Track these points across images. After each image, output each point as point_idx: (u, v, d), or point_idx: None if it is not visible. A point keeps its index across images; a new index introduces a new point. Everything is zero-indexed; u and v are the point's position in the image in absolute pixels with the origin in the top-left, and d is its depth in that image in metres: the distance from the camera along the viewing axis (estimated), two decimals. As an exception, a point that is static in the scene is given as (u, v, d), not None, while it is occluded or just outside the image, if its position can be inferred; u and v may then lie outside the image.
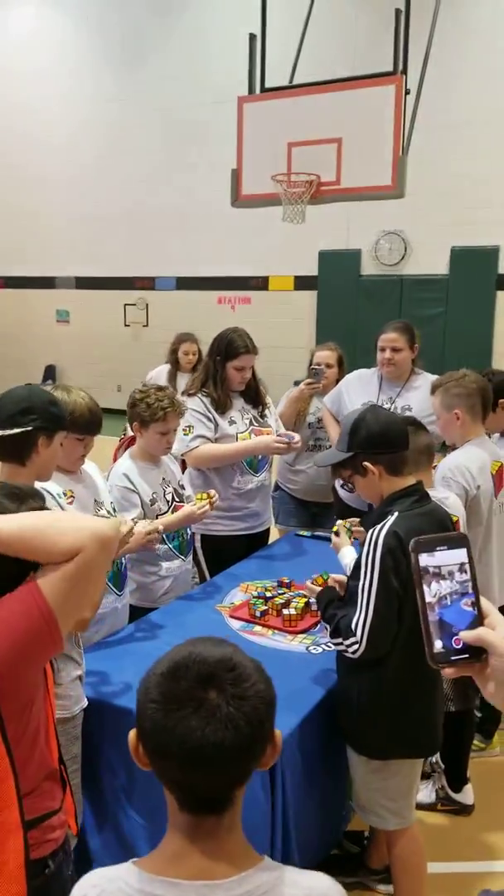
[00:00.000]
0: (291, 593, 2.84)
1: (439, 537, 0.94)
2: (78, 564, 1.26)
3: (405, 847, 2.24)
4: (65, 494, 2.30)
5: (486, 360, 8.80)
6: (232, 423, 3.36)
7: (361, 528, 2.49)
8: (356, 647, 2.02)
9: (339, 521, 2.61)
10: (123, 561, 2.64)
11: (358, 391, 3.75)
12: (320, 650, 2.49)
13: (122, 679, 2.26)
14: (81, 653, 2.11)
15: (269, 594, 2.82)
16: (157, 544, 2.68)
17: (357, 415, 2.16)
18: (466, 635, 0.89)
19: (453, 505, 2.57)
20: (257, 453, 3.38)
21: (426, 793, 2.92)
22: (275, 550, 3.54)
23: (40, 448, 1.95)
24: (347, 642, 2.04)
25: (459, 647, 0.90)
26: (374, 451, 2.10)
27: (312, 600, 2.56)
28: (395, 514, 2.05)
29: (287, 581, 2.96)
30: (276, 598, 2.76)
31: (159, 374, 5.95)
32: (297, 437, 3.39)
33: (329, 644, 2.26)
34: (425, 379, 3.55)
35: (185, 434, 3.28)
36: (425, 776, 2.95)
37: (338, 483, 3.58)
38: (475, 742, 3.10)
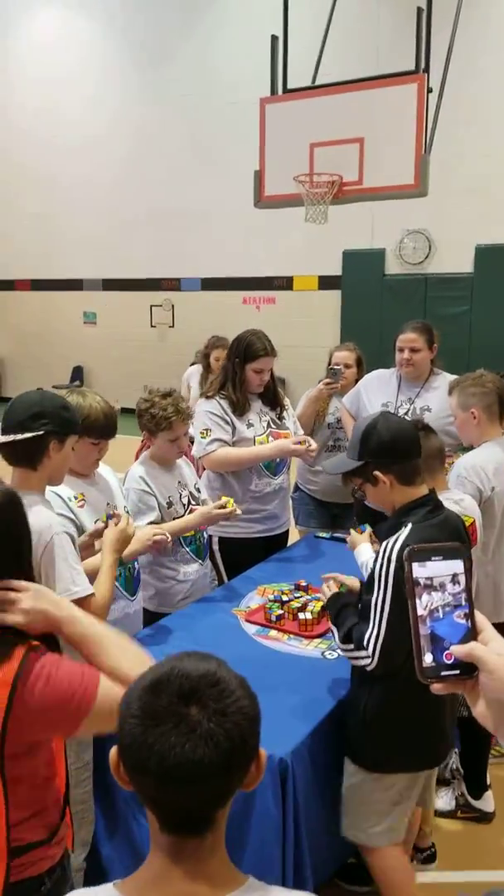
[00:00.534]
0: (308, 597, 2.82)
1: (433, 547, 0.91)
2: None
3: (395, 863, 2.14)
4: (76, 498, 2.32)
5: (512, 358, 8.69)
6: (250, 425, 3.34)
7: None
8: (368, 661, 1.97)
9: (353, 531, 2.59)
10: (136, 565, 2.64)
11: (377, 391, 3.72)
12: (336, 655, 2.46)
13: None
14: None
15: (285, 598, 2.80)
16: (169, 545, 2.65)
17: (369, 422, 2.10)
18: (458, 650, 0.86)
19: (469, 506, 2.54)
20: (275, 457, 3.36)
21: (445, 800, 2.89)
22: (293, 553, 3.52)
23: (51, 452, 1.96)
24: (360, 655, 1.99)
25: (451, 661, 0.87)
26: (384, 460, 2.04)
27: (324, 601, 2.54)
28: (409, 525, 1.98)
29: (304, 584, 2.94)
30: (293, 602, 2.74)
31: (191, 374, 6.06)
32: (313, 443, 3.37)
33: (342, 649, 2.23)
34: (445, 379, 3.51)
35: (202, 437, 3.28)
36: (445, 783, 2.92)
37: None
38: (495, 748, 3.05)
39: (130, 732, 0.91)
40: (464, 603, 0.89)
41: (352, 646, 2.01)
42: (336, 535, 3.65)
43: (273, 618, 2.68)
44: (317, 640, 2.57)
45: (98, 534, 2.22)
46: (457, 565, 0.90)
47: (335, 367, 3.94)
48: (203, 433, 3.29)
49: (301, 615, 2.65)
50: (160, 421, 2.82)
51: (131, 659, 1.34)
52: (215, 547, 3.34)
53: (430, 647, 0.87)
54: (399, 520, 2.03)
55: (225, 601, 2.92)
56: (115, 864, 2.14)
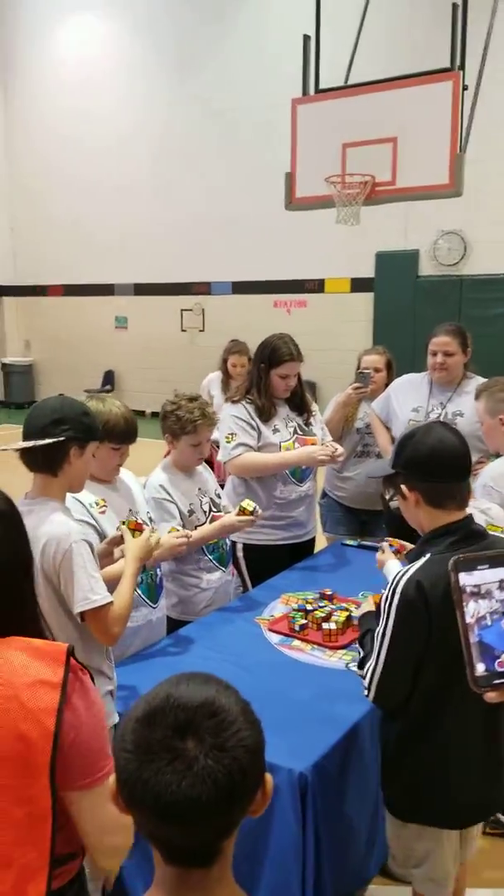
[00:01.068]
0: (333, 606, 2.76)
1: (481, 555, 0.92)
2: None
3: None
4: (97, 504, 2.29)
5: (550, 361, 8.51)
6: (276, 431, 3.28)
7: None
8: (366, 692, 1.83)
9: (385, 542, 2.50)
10: (158, 572, 2.60)
11: (407, 396, 3.64)
12: (361, 668, 2.40)
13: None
14: (112, 667, 2.08)
15: (309, 607, 2.74)
16: (187, 551, 2.61)
17: (411, 429, 1.94)
18: None
19: (496, 515, 2.45)
20: (301, 464, 3.30)
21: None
22: (319, 561, 3.45)
23: (72, 458, 1.94)
24: (364, 684, 1.85)
25: (503, 669, 0.87)
26: (414, 474, 1.84)
27: (355, 615, 2.47)
28: (427, 556, 1.78)
29: (329, 593, 2.87)
30: (317, 612, 2.68)
31: (211, 381, 5.96)
32: (340, 449, 3.30)
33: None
34: (478, 383, 3.42)
35: (227, 441, 3.24)
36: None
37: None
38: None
39: (125, 767, 0.85)
40: None
41: (362, 672, 1.88)
42: (364, 542, 3.58)
43: (296, 627, 2.62)
44: (341, 651, 2.51)
45: (116, 542, 2.19)
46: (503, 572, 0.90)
47: (364, 370, 3.86)
48: (228, 437, 3.24)
49: (325, 625, 2.58)
50: (185, 424, 2.78)
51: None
52: (239, 554, 3.29)
53: (481, 655, 0.86)
54: (421, 547, 1.86)
55: (247, 610, 2.87)
56: (132, 874, 2.09)
